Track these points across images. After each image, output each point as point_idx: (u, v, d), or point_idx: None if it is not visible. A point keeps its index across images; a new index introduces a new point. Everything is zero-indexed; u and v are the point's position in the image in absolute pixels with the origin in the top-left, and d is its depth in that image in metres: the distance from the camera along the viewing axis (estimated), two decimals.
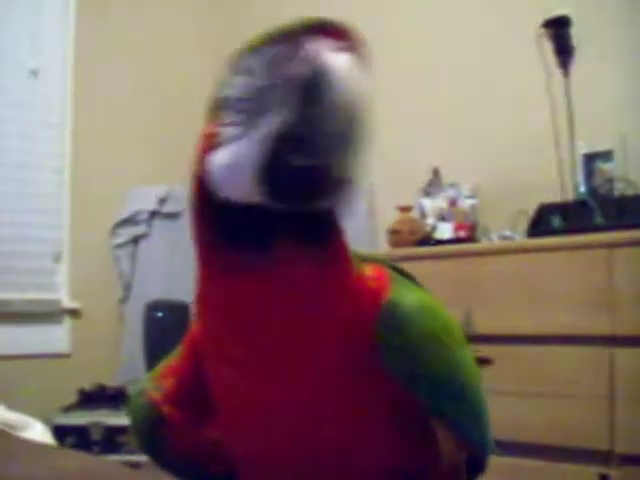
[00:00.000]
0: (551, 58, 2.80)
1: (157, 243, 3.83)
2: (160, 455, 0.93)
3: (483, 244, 2.84)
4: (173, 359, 0.91)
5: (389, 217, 3.20)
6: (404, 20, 3.63)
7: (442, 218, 3.06)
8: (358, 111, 0.67)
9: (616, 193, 2.71)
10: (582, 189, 2.74)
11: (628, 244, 2.34)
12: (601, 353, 2.28)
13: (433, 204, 3.12)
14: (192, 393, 0.88)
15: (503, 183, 3.02)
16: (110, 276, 3.82)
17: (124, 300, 3.79)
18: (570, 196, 2.78)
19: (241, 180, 0.70)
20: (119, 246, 3.83)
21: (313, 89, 0.67)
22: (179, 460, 0.92)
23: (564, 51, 2.75)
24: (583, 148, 2.78)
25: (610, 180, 2.72)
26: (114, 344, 3.69)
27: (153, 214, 3.85)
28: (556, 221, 2.61)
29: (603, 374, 2.26)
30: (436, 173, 3.19)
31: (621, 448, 2.26)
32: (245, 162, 0.69)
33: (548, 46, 2.79)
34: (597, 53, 2.87)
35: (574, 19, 2.81)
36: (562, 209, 2.65)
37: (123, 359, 3.62)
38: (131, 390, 0.81)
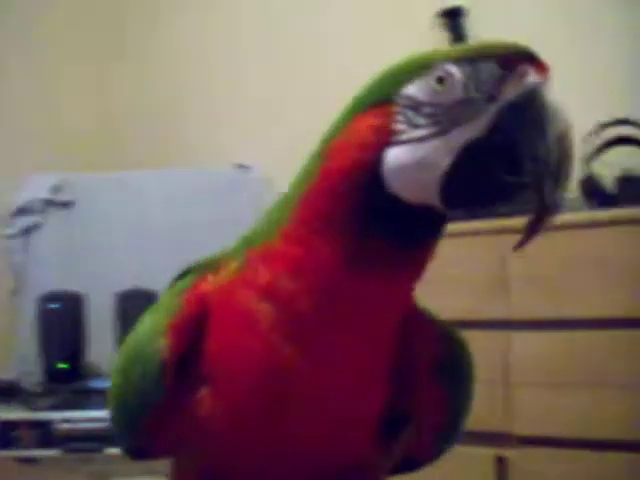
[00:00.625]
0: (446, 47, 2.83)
1: (51, 233, 3.75)
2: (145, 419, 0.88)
3: None
4: (174, 314, 0.86)
5: None
6: (285, 20, 3.62)
7: None
8: (570, 141, 0.71)
9: None
10: None
11: (519, 230, 2.38)
12: (497, 337, 2.33)
13: None
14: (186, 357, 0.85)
15: None
16: (2, 268, 3.72)
17: (16, 292, 3.70)
18: None
19: (423, 182, 0.73)
20: (11, 237, 3.73)
21: (529, 112, 0.70)
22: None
23: (459, 41, 2.79)
24: None
25: None
26: (6, 337, 3.60)
27: (46, 203, 3.76)
28: None
29: (498, 358, 2.31)
30: None
31: (518, 430, 2.31)
32: (432, 167, 0.72)
33: (443, 36, 2.83)
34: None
35: (469, 9, 2.85)
36: None
37: (16, 352, 3.54)
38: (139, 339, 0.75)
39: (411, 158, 0.73)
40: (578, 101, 2.87)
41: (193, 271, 0.93)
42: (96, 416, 2.80)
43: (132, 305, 3.20)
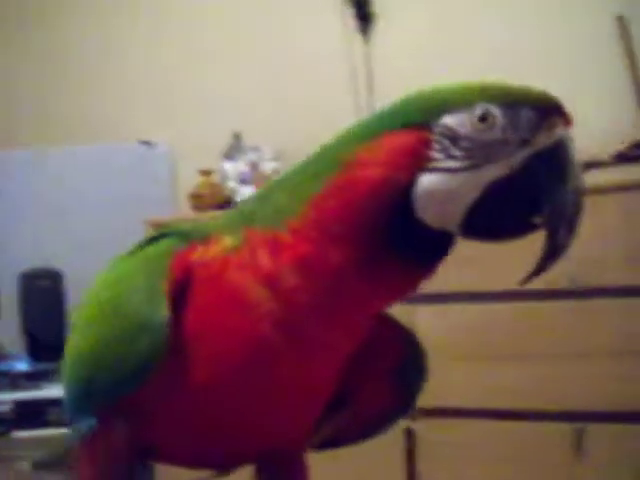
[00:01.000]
0: (352, 24, 2.84)
1: None
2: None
3: None
4: (166, 279, 0.83)
5: (191, 181, 3.18)
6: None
7: (243, 181, 3.08)
8: (583, 193, 0.77)
9: None
10: None
11: None
12: (402, 310, 2.36)
13: (234, 168, 3.13)
14: None
15: (305, 147, 3.04)
16: None
17: None
18: None
19: (449, 211, 0.77)
20: None
21: (556, 161, 0.76)
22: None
23: (364, 17, 2.79)
24: None
25: None
26: None
27: None
28: None
29: None
30: (237, 137, 3.19)
31: (424, 402, 2.35)
32: (461, 198, 0.76)
33: (349, 12, 2.83)
34: (398, 19, 2.94)
35: None
36: None
37: None
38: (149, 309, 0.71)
39: (443, 187, 0.76)
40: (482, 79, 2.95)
41: (170, 235, 0.89)
42: (2, 399, 2.76)
43: (36, 285, 3.15)
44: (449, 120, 0.77)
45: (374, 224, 0.77)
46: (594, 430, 2.24)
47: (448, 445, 2.37)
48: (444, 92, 0.81)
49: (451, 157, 0.76)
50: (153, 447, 0.92)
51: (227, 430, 0.86)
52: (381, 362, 0.93)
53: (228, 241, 0.84)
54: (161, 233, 0.91)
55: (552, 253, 0.80)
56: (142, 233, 2.86)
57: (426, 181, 0.76)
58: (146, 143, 3.49)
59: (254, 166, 3.10)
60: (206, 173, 3.13)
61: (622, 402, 2.21)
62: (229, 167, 3.14)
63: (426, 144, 0.77)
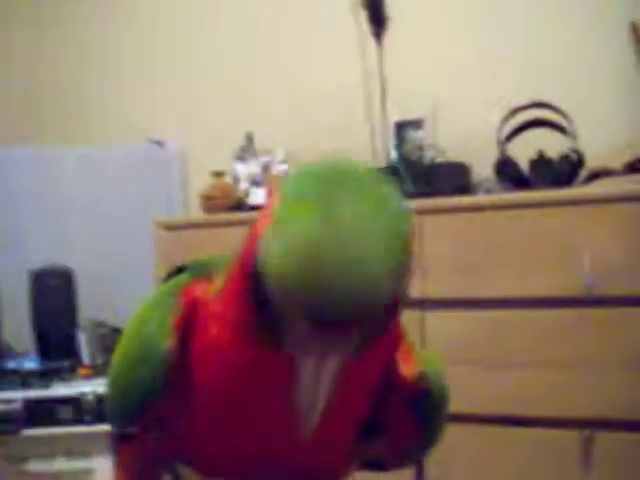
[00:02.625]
0: (366, 27, 2.83)
1: None
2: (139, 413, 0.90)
3: None
4: (175, 313, 0.87)
5: (202, 182, 3.18)
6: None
7: (255, 183, 3.08)
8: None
9: (426, 160, 2.79)
10: (393, 156, 2.81)
11: (437, 211, 2.43)
12: (413, 316, 2.36)
13: (246, 169, 3.13)
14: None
15: (316, 150, 3.06)
16: None
17: None
18: (382, 163, 2.84)
19: None
20: None
21: None
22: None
23: (378, 20, 2.79)
24: (395, 116, 2.84)
25: (420, 147, 2.80)
26: None
27: None
28: None
29: (414, 336, 2.34)
30: (249, 138, 3.19)
31: None
32: None
33: (363, 15, 2.83)
34: (411, 23, 2.94)
35: None
36: None
37: None
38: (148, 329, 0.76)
39: None
40: (494, 86, 2.95)
41: (190, 269, 0.93)
42: (11, 397, 2.77)
43: (46, 283, 3.16)
44: None
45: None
46: (603, 438, 2.23)
47: (457, 451, 2.36)
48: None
49: None
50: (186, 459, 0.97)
51: (244, 454, 0.88)
52: (399, 393, 0.92)
53: (218, 283, 0.85)
54: (182, 265, 0.96)
55: None
56: (152, 233, 2.87)
57: None
58: (157, 143, 3.50)
59: (266, 168, 3.10)
60: (218, 174, 3.14)
61: (632, 411, 2.21)
62: (241, 169, 3.14)
63: None
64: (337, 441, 0.90)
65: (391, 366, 0.89)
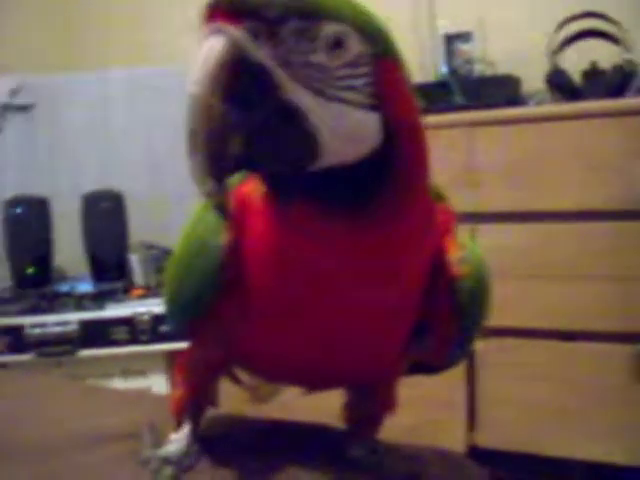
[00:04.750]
0: None
1: (11, 137, 3.69)
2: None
3: None
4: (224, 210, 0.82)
5: None
6: None
7: None
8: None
9: (476, 74, 2.74)
10: (443, 70, 2.76)
11: (488, 123, 2.39)
12: (464, 229, 2.35)
13: None
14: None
15: None
16: None
17: None
18: (430, 77, 2.80)
19: None
20: None
21: None
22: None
23: None
24: (443, 29, 2.79)
25: (470, 61, 2.75)
26: None
27: (5, 107, 3.69)
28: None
29: None
30: None
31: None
32: None
33: None
34: None
35: None
36: (423, 89, 2.66)
37: None
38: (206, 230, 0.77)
39: None
40: None
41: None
42: (67, 319, 2.81)
43: (98, 206, 3.19)
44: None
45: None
46: None
47: (507, 365, 2.36)
48: None
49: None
50: (242, 362, 0.99)
51: (300, 353, 0.87)
52: (443, 282, 0.89)
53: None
54: None
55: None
56: None
57: None
58: None
59: None
60: None
61: None
62: None
63: None
64: (389, 341, 0.89)
65: (439, 256, 0.87)
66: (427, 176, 0.79)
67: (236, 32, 0.65)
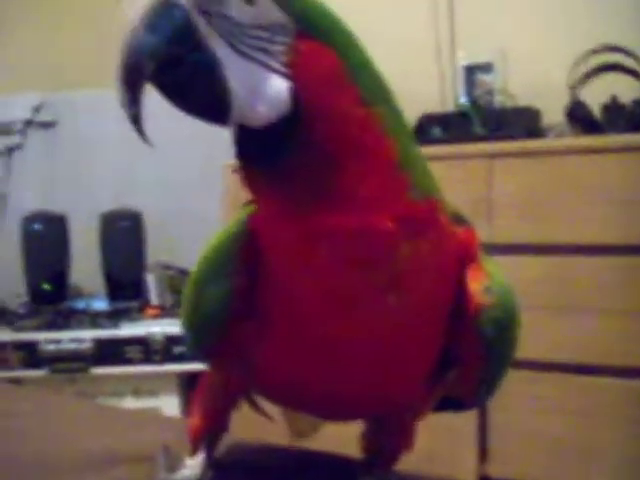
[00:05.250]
0: None
1: (32, 154, 3.72)
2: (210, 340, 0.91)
3: None
4: (237, 240, 0.87)
5: None
6: None
7: None
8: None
9: (496, 105, 2.75)
10: (462, 100, 2.77)
11: (507, 155, 2.40)
12: None
13: None
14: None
15: None
16: None
17: None
18: (451, 107, 2.81)
19: None
20: None
21: None
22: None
23: None
24: (464, 59, 2.81)
25: (490, 92, 2.76)
26: None
27: (27, 123, 3.72)
28: (437, 131, 2.64)
29: None
30: None
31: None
32: None
33: None
34: None
35: None
36: (443, 119, 2.68)
37: (0, 273, 3.54)
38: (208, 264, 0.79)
39: None
40: (565, 29, 2.89)
41: None
42: (81, 336, 2.82)
43: (116, 225, 3.21)
44: None
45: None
46: None
47: (521, 396, 2.35)
48: None
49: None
50: (261, 388, 0.98)
51: (321, 380, 0.86)
52: (468, 313, 0.88)
53: None
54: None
55: None
56: (220, 176, 2.88)
57: None
58: None
59: None
60: None
61: None
62: None
63: None
64: (409, 366, 0.88)
65: (461, 284, 0.85)
66: (380, 168, 0.77)
67: None
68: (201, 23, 0.71)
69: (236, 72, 0.72)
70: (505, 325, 0.87)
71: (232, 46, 0.72)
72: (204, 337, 0.91)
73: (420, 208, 0.78)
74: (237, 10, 0.72)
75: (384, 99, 0.79)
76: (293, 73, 0.73)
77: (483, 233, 2.37)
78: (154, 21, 0.71)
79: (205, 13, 0.71)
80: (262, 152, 0.74)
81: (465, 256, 0.86)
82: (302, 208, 0.75)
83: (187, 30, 0.71)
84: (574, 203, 2.31)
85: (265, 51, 0.73)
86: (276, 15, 0.73)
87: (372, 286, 0.78)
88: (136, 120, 0.74)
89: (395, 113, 0.79)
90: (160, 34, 0.71)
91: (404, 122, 0.81)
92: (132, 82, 0.72)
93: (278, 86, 0.72)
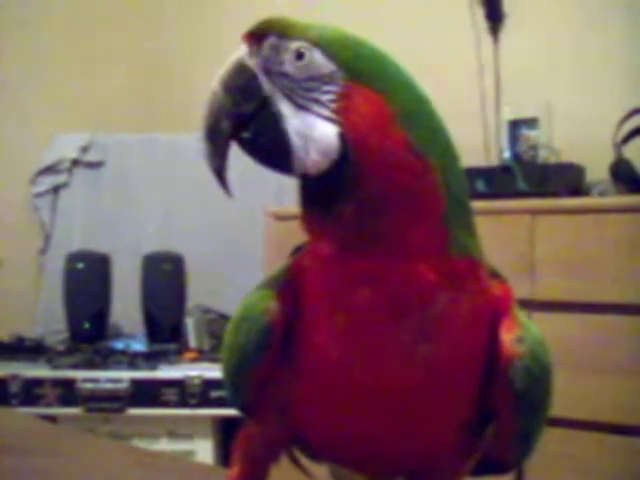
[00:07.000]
0: (482, 24, 2.81)
1: (78, 193, 3.77)
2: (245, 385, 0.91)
3: None
4: (278, 282, 0.88)
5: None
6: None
7: None
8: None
9: (540, 160, 2.75)
10: (506, 155, 2.78)
11: (550, 211, 2.40)
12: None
13: None
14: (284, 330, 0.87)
15: None
16: (30, 226, 3.76)
17: (44, 251, 3.73)
18: (494, 161, 2.81)
19: None
20: (39, 195, 3.75)
21: None
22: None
23: (495, 17, 2.77)
24: (509, 114, 2.81)
25: (534, 147, 2.76)
26: (33, 295, 3.64)
27: (75, 163, 3.78)
28: (480, 185, 2.64)
29: None
30: None
31: None
32: None
33: (480, 12, 2.81)
34: (527, 21, 2.90)
35: None
36: (486, 174, 2.68)
37: (42, 310, 3.58)
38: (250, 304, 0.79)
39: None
40: (611, 86, 2.89)
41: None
42: (118, 376, 2.84)
43: (158, 267, 3.23)
44: None
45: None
46: None
47: (556, 456, 2.32)
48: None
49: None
50: (297, 441, 0.97)
51: (353, 431, 0.86)
52: (500, 366, 0.87)
53: None
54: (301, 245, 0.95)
55: None
56: (263, 223, 2.90)
57: None
58: None
59: None
60: None
61: None
62: None
63: None
64: (442, 418, 0.86)
65: (495, 337, 0.84)
66: (428, 210, 0.78)
67: (243, 47, 0.80)
68: (265, 82, 0.78)
69: (294, 124, 0.77)
70: (536, 375, 0.85)
71: (290, 99, 0.78)
72: (241, 385, 0.91)
73: (458, 265, 0.79)
74: (291, 66, 0.78)
75: (441, 149, 0.80)
76: (341, 119, 0.76)
77: (524, 290, 2.38)
78: (229, 83, 0.79)
79: (268, 72, 0.79)
80: (321, 199, 0.78)
81: (500, 310, 0.85)
82: (349, 250, 0.77)
83: (256, 90, 0.79)
84: (616, 262, 2.30)
85: (316, 101, 0.77)
86: (325, 65, 0.78)
87: (405, 334, 0.78)
88: (219, 173, 0.81)
89: (451, 166, 0.80)
90: (233, 95, 0.79)
91: (459, 176, 0.81)
92: (213, 138, 0.80)
93: (327, 132, 0.76)
